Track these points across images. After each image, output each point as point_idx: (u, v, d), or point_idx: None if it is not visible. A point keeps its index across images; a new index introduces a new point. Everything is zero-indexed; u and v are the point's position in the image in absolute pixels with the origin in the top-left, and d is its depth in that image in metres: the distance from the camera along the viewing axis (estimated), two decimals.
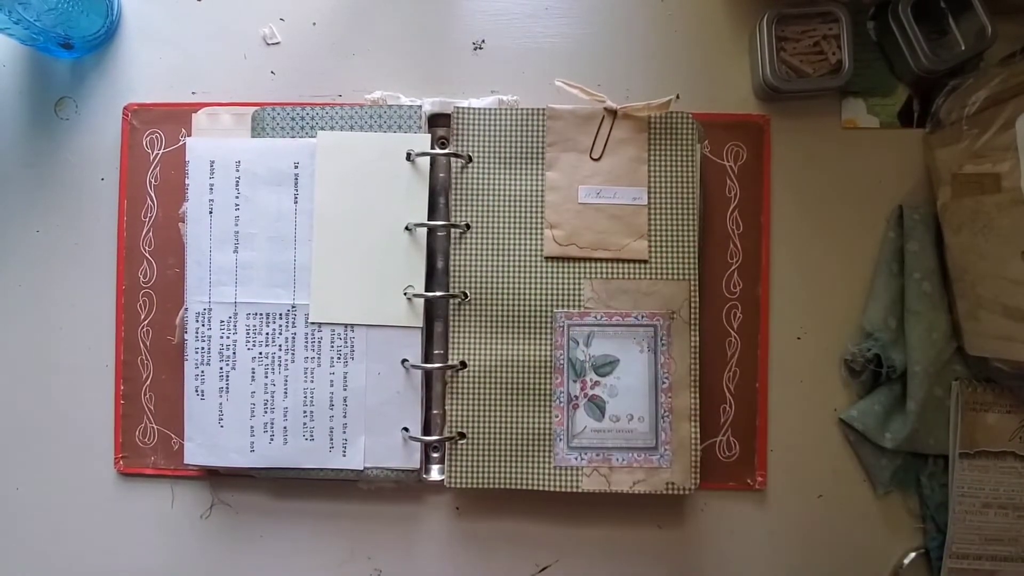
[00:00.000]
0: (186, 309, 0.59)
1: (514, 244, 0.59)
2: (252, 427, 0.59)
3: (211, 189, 0.59)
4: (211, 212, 0.59)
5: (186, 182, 0.59)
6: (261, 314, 0.59)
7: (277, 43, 0.64)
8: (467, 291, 0.59)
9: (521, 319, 0.59)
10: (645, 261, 0.59)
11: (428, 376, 0.60)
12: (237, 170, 0.59)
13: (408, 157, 0.59)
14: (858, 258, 0.62)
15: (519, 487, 0.58)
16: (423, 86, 0.63)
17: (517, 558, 0.61)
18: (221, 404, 0.59)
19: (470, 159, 0.59)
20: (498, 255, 0.59)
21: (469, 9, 0.64)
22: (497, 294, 0.59)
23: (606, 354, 0.59)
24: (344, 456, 0.59)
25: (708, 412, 0.61)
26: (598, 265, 0.59)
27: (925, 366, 0.58)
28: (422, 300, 0.59)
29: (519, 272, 0.59)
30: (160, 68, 0.64)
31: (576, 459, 0.58)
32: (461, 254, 0.59)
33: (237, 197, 0.59)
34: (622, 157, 0.59)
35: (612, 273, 0.59)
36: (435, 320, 0.60)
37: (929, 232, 0.59)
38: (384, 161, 0.59)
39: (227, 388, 0.59)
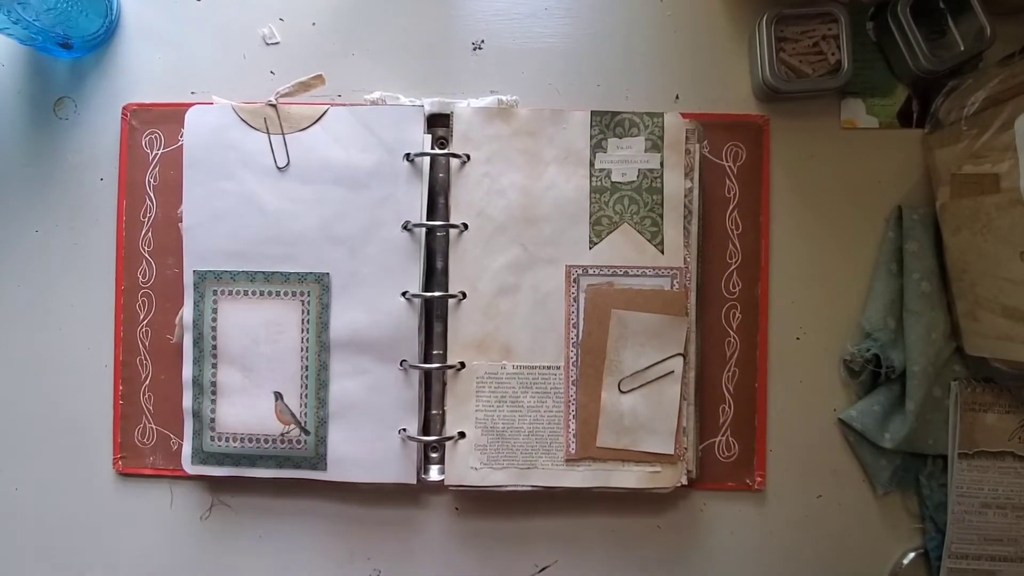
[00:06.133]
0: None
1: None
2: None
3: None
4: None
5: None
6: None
7: (276, 43, 0.64)
8: (466, 291, 0.59)
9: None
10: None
11: (427, 376, 0.60)
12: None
13: (408, 157, 0.59)
14: (857, 258, 0.62)
15: (518, 487, 0.58)
16: (423, 86, 0.63)
17: (517, 558, 0.61)
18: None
19: (469, 159, 0.59)
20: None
21: (469, 9, 0.64)
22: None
23: None
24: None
25: (707, 412, 0.61)
26: None
27: (924, 366, 0.58)
28: (420, 300, 0.59)
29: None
30: (159, 68, 0.64)
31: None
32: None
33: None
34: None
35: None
36: (434, 320, 0.60)
37: (928, 232, 0.59)
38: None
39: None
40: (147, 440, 0.62)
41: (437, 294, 0.59)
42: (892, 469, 0.60)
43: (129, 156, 0.63)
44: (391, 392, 0.59)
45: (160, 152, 0.62)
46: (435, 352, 0.60)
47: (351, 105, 0.61)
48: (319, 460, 0.59)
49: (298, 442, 0.59)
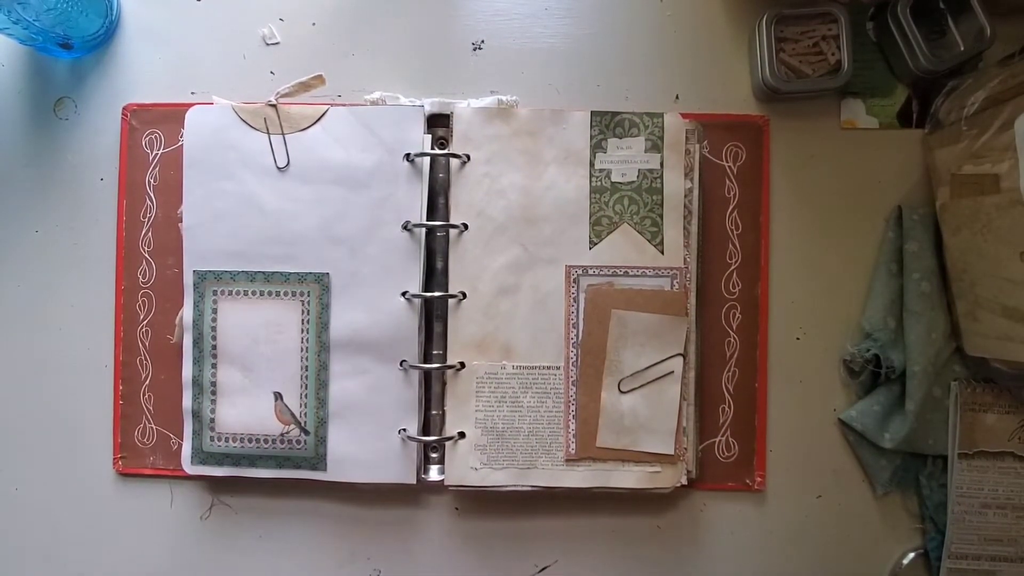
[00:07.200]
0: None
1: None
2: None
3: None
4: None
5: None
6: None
7: (276, 43, 0.64)
8: (466, 291, 0.59)
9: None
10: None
11: (427, 376, 0.60)
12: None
13: (408, 157, 0.59)
14: (857, 258, 0.62)
15: (518, 487, 0.58)
16: (423, 86, 0.63)
17: (517, 558, 0.61)
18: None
19: (469, 159, 0.59)
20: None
21: (469, 9, 0.64)
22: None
23: None
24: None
25: (707, 412, 0.61)
26: None
27: (924, 366, 0.58)
28: (420, 300, 0.59)
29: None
30: (159, 68, 0.64)
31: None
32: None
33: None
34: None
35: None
36: (434, 320, 0.60)
37: (928, 232, 0.59)
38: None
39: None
40: (147, 440, 0.62)
41: (437, 294, 0.59)
42: (892, 469, 0.60)
43: (129, 156, 0.63)
44: (391, 392, 0.59)
45: (160, 152, 0.62)
46: (435, 352, 0.60)
47: (351, 105, 0.61)
48: (319, 460, 0.59)
49: (298, 442, 0.59)
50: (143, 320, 0.62)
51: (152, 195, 0.62)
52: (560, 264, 0.59)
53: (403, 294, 0.59)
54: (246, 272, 0.59)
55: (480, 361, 0.59)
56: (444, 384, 0.60)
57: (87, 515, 0.63)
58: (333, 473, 0.59)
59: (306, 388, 0.59)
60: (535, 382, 0.59)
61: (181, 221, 0.60)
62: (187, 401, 0.60)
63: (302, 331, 0.59)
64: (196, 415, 0.59)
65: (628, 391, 0.58)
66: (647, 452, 0.58)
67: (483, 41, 0.63)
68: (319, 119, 0.60)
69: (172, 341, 0.61)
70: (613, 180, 0.59)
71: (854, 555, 0.61)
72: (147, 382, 0.62)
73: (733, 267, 0.61)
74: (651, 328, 0.58)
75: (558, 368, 0.59)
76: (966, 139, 0.55)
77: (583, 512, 0.61)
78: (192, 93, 0.63)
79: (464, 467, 0.58)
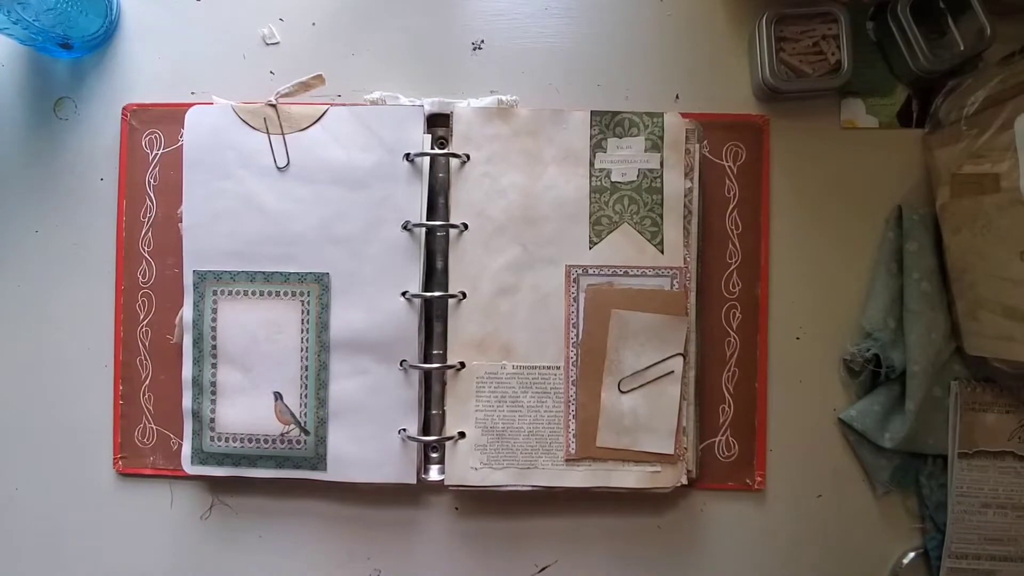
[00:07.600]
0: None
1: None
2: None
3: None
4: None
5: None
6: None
7: (276, 43, 0.64)
8: (466, 291, 0.59)
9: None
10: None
11: (427, 376, 0.60)
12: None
13: (408, 157, 0.59)
14: (857, 258, 0.62)
15: (518, 487, 0.58)
16: (423, 86, 0.63)
17: (517, 558, 0.61)
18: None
19: (469, 159, 0.59)
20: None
21: (469, 9, 0.64)
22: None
23: None
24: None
25: (707, 412, 0.61)
26: None
27: (924, 366, 0.58)
28: (420, 300, 0.59)
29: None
30: (159, 68, 0.64)
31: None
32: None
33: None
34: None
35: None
36: (434, 320, 0.60)
37: (928, 232, 0.59)
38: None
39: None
40: (147, 440, 0.62)
41: (437, 294, 0.59)
42: (892, 469, 0.60)
43: (129, 156, 0.63)
44: (391, 392, 0.59)
45: (160, 152, 0.62)
46: (435, 352, 0.60)
47: (351, 105, 0.61)
48: (319, 460, 0.59)
49: (298, 442, 0.59)
50: (143, 320, 0.62)
51: (152, 195, 0.62)
52: (560, 264, 0.59)
53: (403, 294, 0.59)
54: (246, 272, 0.59)
55: (480, 361, 0.59)
56: (444, 384, 0.60)
57: (87, 515, 0.63)
58: (333, 473, 0.59)
59: (306, 388, 0.59)
60: (535, 382, 0.59)
61: (181, 221, 0.60)
62: (187, 401, 0.60)
63: (302, 331, 0.59)
64: (196, 415, 0.59)
65: (628, 391, 0.58)
66: (647, 452, 0.58)
67: (483, 41, 0.63)
68: (319, 119, 0.60)
69: (172, 341, 0.61)
70: (613, 180, 0.59)
71: (854, 555, 0.61)
72: (147, 382, 0.62)
73: (733, 267, 0.61)
74: (651, 328, 0.58)
75: (558, 368, 0.59)
76: (966, 139, 0.55)
77: (583, 512, 0.61)
78: (192, 93, 0.63)
79: (464, 467, 0.58)
